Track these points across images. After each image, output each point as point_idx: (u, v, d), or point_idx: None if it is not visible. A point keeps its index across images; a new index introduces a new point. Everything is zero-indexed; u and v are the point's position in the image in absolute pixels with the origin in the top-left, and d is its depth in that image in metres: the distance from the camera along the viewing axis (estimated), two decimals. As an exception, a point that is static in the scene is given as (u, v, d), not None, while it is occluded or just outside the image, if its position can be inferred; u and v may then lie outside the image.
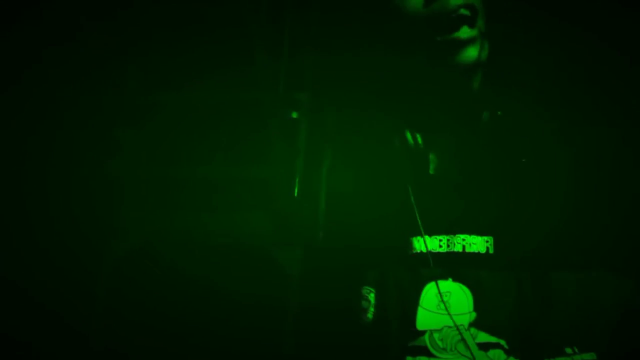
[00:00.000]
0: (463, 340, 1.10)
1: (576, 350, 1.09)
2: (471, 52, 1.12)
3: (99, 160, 2.05)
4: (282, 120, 1.95)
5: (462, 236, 1.14)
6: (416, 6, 1.12)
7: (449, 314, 1.10)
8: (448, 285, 1.12)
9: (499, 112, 1.15)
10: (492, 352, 1.09)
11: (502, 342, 1.09)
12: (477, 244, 1.13)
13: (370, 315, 1.13)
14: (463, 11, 1.10)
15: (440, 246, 1.14)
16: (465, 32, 1.11)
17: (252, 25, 2.11)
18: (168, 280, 1.56)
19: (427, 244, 1.13)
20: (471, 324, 1.10)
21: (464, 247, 1.13)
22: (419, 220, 1.13)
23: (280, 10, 2.17)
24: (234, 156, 2.03)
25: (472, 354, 1.09)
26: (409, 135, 1.16)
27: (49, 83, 2.05)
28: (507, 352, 1.08)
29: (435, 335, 1.10)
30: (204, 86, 2.09)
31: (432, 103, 1.19)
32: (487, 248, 1.13)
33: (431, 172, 1.19)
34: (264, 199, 1.82)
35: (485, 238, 1.13)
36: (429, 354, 1.10)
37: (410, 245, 1.14)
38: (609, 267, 1.11)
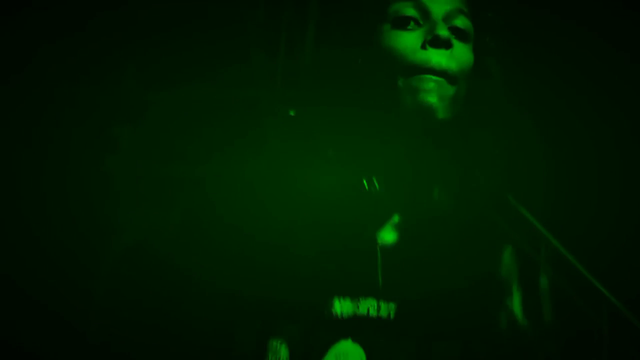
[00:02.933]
0: None
1: None
2: (432, 99, 1.15)
3: (96, 158, 2.06)
4: (278, 118, 1.95)
5: (372, 299, 1.17)
6: (411, 44, 1.15)
7: None
8: (346, 346, 1.16)
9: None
10: None
11: None
12: (382, 309, 1.17)
13: None
14: (435, 77, 1.14)
15: (354, 309, 1.17)
16: (430, 85, 1.14)
17: (249, 23, 2.12)
18: (165, 278, 1.56)
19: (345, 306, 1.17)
20: None
21: (368, 309, 1.16)
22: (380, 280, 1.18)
23: (277, 8, 2.18)
24: (231, 153, 2.03)
25: None
26: (375, 181, 1.19)
27: (47, 80, 2.06)
28: None
29: None
30: (201, 84, 2.10)
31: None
32: (389, 314, 1.17)
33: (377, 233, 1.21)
34: (258, 198, 1.82)
35: (391, 304, 1.17)
36: None
37: (327, 305, 1.17)
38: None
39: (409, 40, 1.15)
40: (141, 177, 2.06)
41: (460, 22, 1.17)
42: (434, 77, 1.13)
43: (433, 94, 1.14)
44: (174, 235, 1.53)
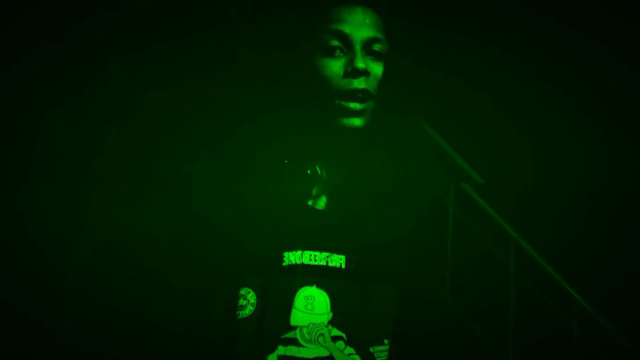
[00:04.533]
0: (322, 334, 1.45)
1: (388, 341, 1.49)
2: (355, 122, 1.46)
3: (84, 158, 2.04)
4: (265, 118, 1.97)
5: (326, 253, 1.49)
6: (336, 71, 1.46)
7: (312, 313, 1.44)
8: (313, 291, 1.46)
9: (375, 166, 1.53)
10: (338, 343, 1.45)
11: (344, 335, 1.45)
12: (336, 260, 1.49)
13: (247, 312, 1.41)
14: (358, 94, 1.45)
15: (310, 259, 1.47)
16: (354, 106, 1.46)
17: (236, 23, 2.12)
18: (136, 278, 1.56)
19: (302, 257, 1.47)
20: (329, 322, 1.45)
21: (327, 262, 1.48)
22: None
23: (264, 8, 2.18)
24: (218, 154, 2.03)
25: (327, 344, 1.45)
26: (317, 168, 1.50)
27: (33, 81, 2.04)
28: (346, 343, 1.45)
29: (304, 330, 1.43)
30: (188, 84, 2.10)
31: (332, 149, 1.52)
32: (341, 264, 1.49)
33: (318, 205, 1.53)
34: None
35: (341, 256, 1.49)
36: (298, 344, 1.43)
37: (285, 258, 1.45)
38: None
39: (335, 68, 1.46)
40: (128, 177, 2.05)
41: (377, 47, 1.48)
42: (357, 101, 1.46)
43: (358, 114, 1.47)
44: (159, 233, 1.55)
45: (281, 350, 1.41)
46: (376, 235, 1.53)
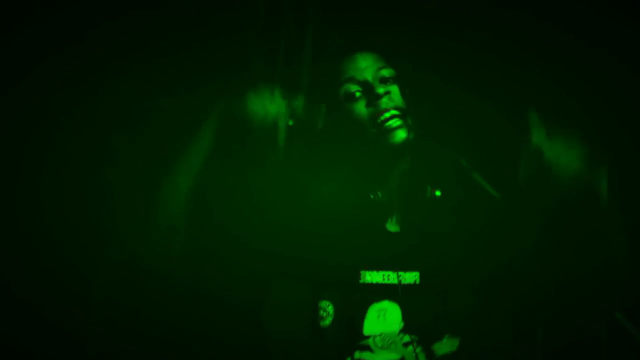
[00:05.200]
0: (394, 342, 1.63)
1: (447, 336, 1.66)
2: (400, 134, 1.65)
3: (95, 166, 2.05)
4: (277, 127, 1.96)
5: (399, 272, 1.66)
6: (363, 108, 1.68)
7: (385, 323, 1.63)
8: (385, 304, 1.64)
9: (437, 193, 1.72)
10: (409, 348, 1.63)
11: (415, 338, 1.64)
12: (409, 277, 1.67)
13: (327, 322, 1.59)
14: (392, 112, 1.66)
15: (383, 279, 1.65)
16: (393, 121, 1.65)
17: (248, 32, 2.12)
18: (163, 287, 1.56)
19: (377, 277, 1.66)
20: (400, 330, 1.64)
21: (400, 280, 1.65)
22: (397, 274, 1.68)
23: (276, 17, 2.18)
24: (229, 163, 2.03)
25: (398, 349, 1.63)
26: (379, 193, 1.68)
27: (46, 89, 2.05)
28: (416, 344, 1.63)
29: (377, 339, 1.62)
30: (200, 92, 2.09)
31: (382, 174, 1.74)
32: (415, 281, 1.67)
33: (386, 226, 1.73)
34: (258, 206, 1.82)
35: (414, 273, 1.67)
36: (372, 350, 1.61)
37: (361, 276, 1.64)
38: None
39: (361, 107, 1.68)
40: (140, 185, 2.05)
41: (385, 72, 1.71)
42: (391, 114, 1.65)
43: (398, 128, 1.65)
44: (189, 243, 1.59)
45: (357, 354, 1.61)
46: (449, 251, 1.70)
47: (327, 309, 1.60)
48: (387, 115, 1.65)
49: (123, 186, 2.05)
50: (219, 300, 1.60)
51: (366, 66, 1.70)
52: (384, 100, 1.66)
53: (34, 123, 2.03)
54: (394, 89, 1.70)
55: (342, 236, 1.64)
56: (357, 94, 1.68)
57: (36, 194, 2.00)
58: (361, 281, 1.63)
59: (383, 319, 1.63)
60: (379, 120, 1.65)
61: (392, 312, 1.64)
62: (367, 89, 1.68)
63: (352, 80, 1.69)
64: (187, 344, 1.44)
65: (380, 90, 1.67)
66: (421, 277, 1.68)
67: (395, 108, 1.66)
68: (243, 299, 1.55)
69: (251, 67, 2.11)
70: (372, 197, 1.68)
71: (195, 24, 2.11)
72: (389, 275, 1.66)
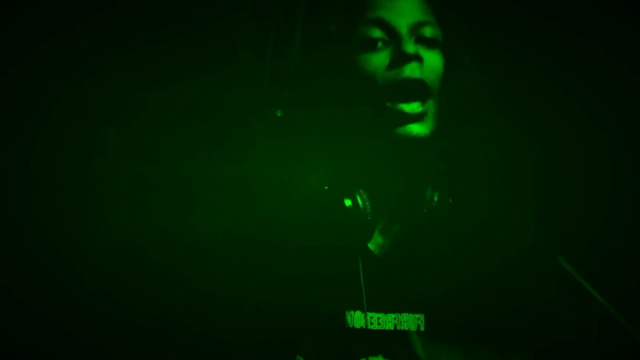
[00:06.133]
0: None
1: None
2: (414, 128, 1.17)
3: (83, 158, 2.05)
4: (266, 119, 1.96)
5: (394, 315, 1.16)
6: (380, 63, 1.17)
7: None
8: None
9: (449, 200, 1.21)
10: None
11: None
12: (409, 321, 1.17)
13: None
14: (413, 87, 1.15)
15: (372, 324, 1.16)
16: (411, 107, 1.16)
17: (236, 23, 2.11)
18: (151, 279, 1.55)
19: (364, 320, 1.16)
20: None
21: (395, 325, 1.16)
22: (364, 297, 1.16)
23: (265, 7, 2.17)
24: (218, 154, 2.03)
25: None
26: (359, 198, 1.17)
27: (34, 80, 2.05)
28: None
29: None
30: (188, 84, 2.09)
31: (380, 170, 1.23)
32: (419, 325, 1.17)
33: (372, 247, 1.21)
34: (247, 198, 1.82)
35: (417, 315, 1.17)
36: None
37: (346, 319, 1.17)
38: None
39: (378, 61, 1.17)
40: (128, 177, 2.05)
41: (428, 31, 1.20)
42: (413, 98, 1.16)
43: (416, 118, 1.16)
44: (170, 241, 1.53)
45: None
46: (461, 285, 1.20)
47: None
48: (408, 90, 1.16)
49: (110, 177, 2.04)
50: (208, 294, 1.59)
51: (405, 10, 1.19)
52: (413, 65, 1.16)
53: (22, 114, 2.02)
54: (433, 59, 1.19)
55: (311, 262, 1.20)
56: (379, 45, 1.18)
57: (25, 185, 1.99)
58: (345, 326, 1.16)
59: None
60: (391, 89, 1.16)
61: None
62: (395, 41, 1.18)
63: (378, 22, 1.18)
64: (175, 336, 1.44)
65: (410, 48, 1.16)
66: (427, 320, 1.18)
67: (422, 84, 1.16)
68: (231, 294, 1.51)
69: (240, 58, 2.09)
70: (347, 203, 1.16)
71: (182, 15, 2.10)
72: (379, 318, 1.17)
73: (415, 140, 1.17)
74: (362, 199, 1.17)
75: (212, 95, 2.07)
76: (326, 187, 1.18)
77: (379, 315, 1.16)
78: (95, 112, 2.07)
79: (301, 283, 1.19)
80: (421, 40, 1.19)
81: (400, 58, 1.15)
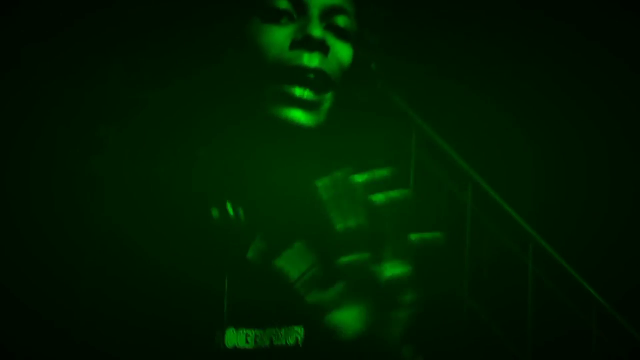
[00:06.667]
0: None
1: None
2: (300, 116, 1.04)
3: (82, 156, 2.05)
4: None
5: (272, 329, 1.04)
6: (280, 39, 1.07)
7: None
8: None
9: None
10: None
11: None
12: (287, 335, 1.04)
13: None
14: (309, 75, 1.04)
15: (247, 342, 1.04)
16: (302, 92, 1.05)
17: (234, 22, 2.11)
18: (150, 278, 1.56)
19: (233, 337, 1.03)
20: None
21: (272, 340, 1.03)
22: (226, 310, 1.04)
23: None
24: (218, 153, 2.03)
25: None
26: (230, 207, 1.05)
27: (33, 79, 2.05)
28: None
29: None
30: (189, 83, 2.09)
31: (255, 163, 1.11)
32: (297, 339, 1.04)
33: (249, 255, 1.08)
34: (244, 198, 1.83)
35: (296, 328, 1.04)
36: None
37: (217, 338, 1.05)
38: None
39: (278, 37, 1.06)
40: (128, 177, 2.05)
41: (341, 20, 1.09)
42: (305, 85, 1.04)
43: (304, 105, 1.05)
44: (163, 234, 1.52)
45: None
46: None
47: None
48: (302, 77, 1.03)
49: (110, 177, 2.05)
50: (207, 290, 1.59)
51: None
52: (315, 54, 1.03)
53: (22, 114, 2.02)
54: (341, 49, 1.08)
55: (179, 280, 1.09)
56: (283, 20, 1.06)
57: (24, 184, 2.00)
58: (216, 347, 1.04)
59: None
60: (285, 72, 1.04)
61: None
62: (303, 19, 1.05)
63: None
64: (172, 335, 1.44)
65: (317, 32, 1.02)
66: (306, 333, 1.04)
67: (321, 74, 1.04)
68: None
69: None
70: (214, 214, 1.03)
71: (183, 14, 2.10)
72: (256, 336, 1.03)
73: (298, 129, 1.05)
74: (232, 207, 1.05)
75: (213, 95, 2.07)
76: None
77: (256, 331, 1.05)
78: (95, 112, 2.07)
79: (171, 302, 1.09)
80: (332, 29, 1.09)
81: (304, 40, 1.05)
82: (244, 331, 1.04)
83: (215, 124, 1.30)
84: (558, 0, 2.07)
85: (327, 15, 1.08)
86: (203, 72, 1.67)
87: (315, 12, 1.06)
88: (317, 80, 1.05)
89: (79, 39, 2.05)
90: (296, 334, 1.05)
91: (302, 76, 1.04)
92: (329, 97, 1.07)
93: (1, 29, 1.99)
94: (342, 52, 1.09)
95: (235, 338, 1.04)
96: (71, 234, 2.10)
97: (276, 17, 1.07)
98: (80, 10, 2.03)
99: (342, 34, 1.10)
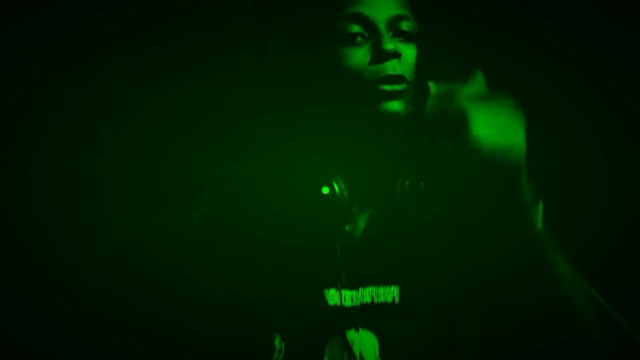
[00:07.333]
0: None
1: None
2: (394, 105, 1.23)
3: (82, 157, 2.05)
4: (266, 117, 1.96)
5: (371, 288, 1.23)
6: (359, 59, 1.23)
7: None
8: (354, 335, 1.19)
9: (421, 184, 1.26)
10: None
11: None
12: (385, 294, 1.23)
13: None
14: (395, 81, 1.23)
15: (351, 300, 1.23)
16: (393, 87, 1.23)
17: (236, 23, 2.11)
18: (151, 278, 1.56)
19: (340, 297, 1.22)
20: None
21: (372, 298, 1.22)
22: (344, 275, 1.23)
23: (265, 8, 2.17)
24: (219, 155, 2.03)
25: None
26: (336, 185, 1.24)
27: (33, 79, 2.05)
28: None
29: None
30: (189, 84, 2.09)
31: (357, 153, 1.31)
32: (394, 297, 1.23)
33: (347, 228, 1.29)
34: (247, 198, 1.82)
35: (392, 288, 1.23)
36: None
37: (322, 297, 1.24)
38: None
39: (359, 56, 1.23)
40: (128, 177, 2.05)
41: (405, 25, 1.27)
42: (391, 86, 1.22)
43: (395, 96, 1.23)
44: (166, 237, 1.53)
45: None
46: (436, 259, 1.27)
47: (274, 342, 1.21)
48: (388, 80, 1.22)
49: (110, 177, 2.05)
50: (209, 293, 1.59)
51: (382, 3, 1.24)
52: (393, 62, 1.22)
53: (21, 114, 2.02)
54: (409, 52, 1.25)
55: (290, 244, 1.27)
56: (358, 39, 1.23)
57: (24, 184, 2.00)
58: (321, 304, 1.23)
59: (349, 356, 1.17)
60: (372, 83, 1.22)
61: (365, 344, 1.19)
62: (373, 39, 1.24)
63: (356, 17, 1.23)
64: (174, 336, 1.44)
65: (389, 46, 1.21)
66: (401, 293, 1.24)
67: (401, 79, 1.23)
68: (227, 290, 1.51)
69: (239, 59, 2.10)
70: (324, 190, 1.23)
71: (183, 15, 2.10)
72: (353, 296, 1.23)
73: (394, 117, 1.22)
74: (339, 186, 1.23)
75: (213, 96, 2.07)
76: (311, 181, 1.25)
77: (354, 291, 1.23)
78: (95, 112, 2.07)
79: (282, 268, 1.26)
80: (399, 34, 1.26)
81: (380, 55, 1.22)
82: (344, 291, 1.23)
83: (220, 126, 1.45)
84: (558, 0, 2.08)
85: (392, 24, 1.26)
86: (213, 73, 1.92)
87: (382, 26, 1.24)
88: (399, 81, 1.23)
89: (79, 39, 2.05)
90: (392, 293, 1.22)
91: (388, 80, 1.22)
92: (409, 89, 1.24)
93: (1, 29, 1.99)
94: (410, 53, 1.26)
95: (338, 297, 1.22)
96: (71, 234, 2.10)
97: (351, 40, 1.23)
98: (80, 10, 2.03)
99: (407, 37, 1.27)
